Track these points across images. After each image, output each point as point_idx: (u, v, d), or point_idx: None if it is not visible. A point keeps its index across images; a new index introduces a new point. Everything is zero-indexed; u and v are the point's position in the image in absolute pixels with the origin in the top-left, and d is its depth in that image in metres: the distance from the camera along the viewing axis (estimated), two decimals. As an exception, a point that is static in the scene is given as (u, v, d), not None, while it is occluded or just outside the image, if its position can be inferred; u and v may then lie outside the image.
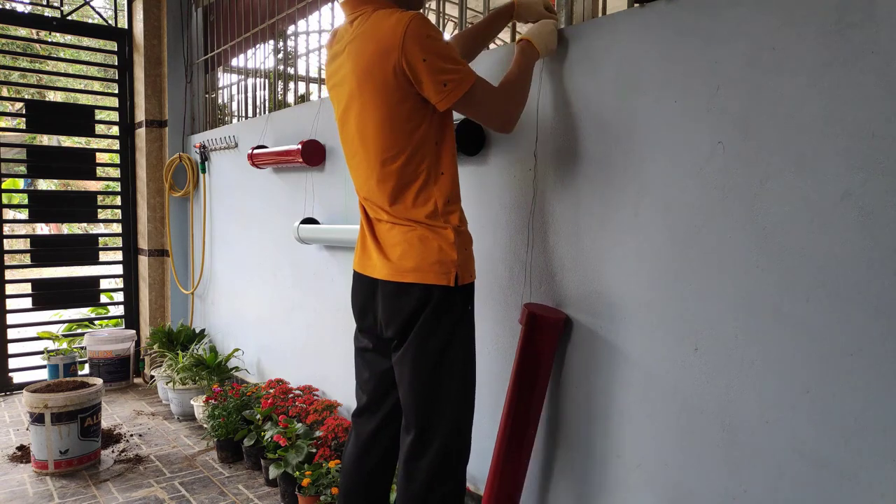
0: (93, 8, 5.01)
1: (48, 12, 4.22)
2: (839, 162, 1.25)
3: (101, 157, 6.53)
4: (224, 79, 4.22)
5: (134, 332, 4.46)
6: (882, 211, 1.20)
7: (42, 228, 11.16)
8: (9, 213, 5.44)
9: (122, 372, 4.32)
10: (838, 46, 1.24)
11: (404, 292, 1.61)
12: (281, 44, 3.69)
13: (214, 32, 4.13)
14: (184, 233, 4.45)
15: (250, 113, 3.83)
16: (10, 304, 4.08)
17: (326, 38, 1.89)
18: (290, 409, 2.84)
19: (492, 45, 2.22)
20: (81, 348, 4.25)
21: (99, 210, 4.54)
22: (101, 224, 6.08)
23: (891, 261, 1.19)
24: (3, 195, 4.04)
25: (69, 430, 2.88)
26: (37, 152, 4.65)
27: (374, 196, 1.67)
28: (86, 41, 5.02)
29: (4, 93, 6.35)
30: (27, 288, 4.22)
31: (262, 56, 3.72)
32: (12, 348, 4.14)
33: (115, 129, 4.63)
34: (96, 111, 4.46)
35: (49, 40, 9.16)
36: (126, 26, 4.47)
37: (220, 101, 4.25)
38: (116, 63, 4.49)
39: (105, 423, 3.45)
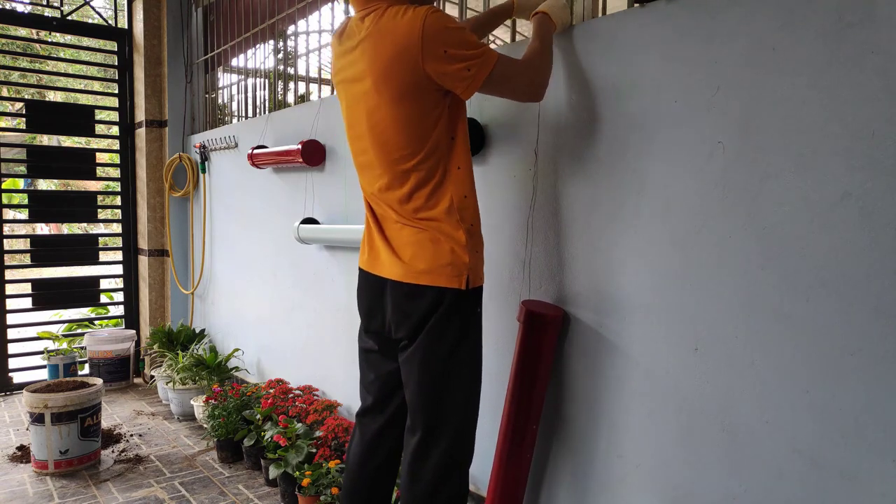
0: (93, 8, 5.01)
1: (48, 12, 4.22)
2: (839, 162, 1.25)
3: (101, 157, 6.53)
4: (224, 79, 4.22)
5: (134, 332, 4.46)
6: (882, 211, 1.20)
7: (42, 228, 11.16)
8: (9, 213, 5.44)
9: (122, 372, 4.32)
10: (838, 46, 1.24)
11: (417, 294, 1.60)
12: (281, 44, 3.69)
13: (214, 32, 4.13)
14: (184, 233, 4.45)
15: (250, 113, 3.83)
16: (10, 304, 4.08)
17: (331, 34, 1.89)
18: (290, 409, 2.84)
19: (492, 46, 2.22)
20: (81, 348, 4.25)
21: (99, 210, 4.54)
22: (101, 224, 6.08)
23: (891, 261, 1.19)
24: (3, 195, 4.04)
25: (69, 430, 2.88)
26: (37, 152, 4.65)
27: (385, 195, 1.66)
28: (86, 41, 5.03)
29: (4, 93, 6.35)
30: (27, 288, 4.22)
31: (262, 56, 3.72)
32: (12, 348, 4.14)
33: (115, 129, 4.64)
34: (96, 111, 4.46)
35: (49, 40, 9.16)
36: (126, 26, 4.47)
37: (220, 101, 4.25)
38: (116, 63, 4.49)
39: (105, 423, 3.45)
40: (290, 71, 3.53)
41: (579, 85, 1.76)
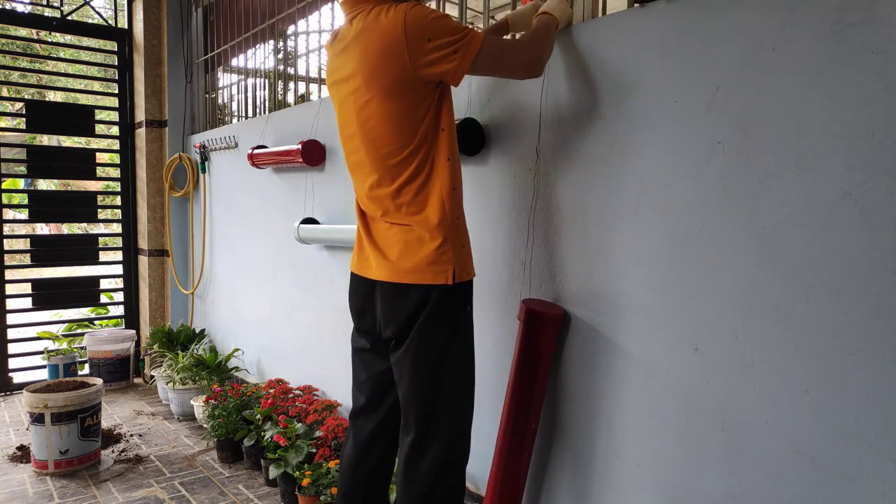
0: (93, 8, 5.01)
1: (48, 12, 4.22)
2: (839, 162, 1.25)
3: (101, 157, 6.52)
4: (224, 79, 4.22)
5: (134, 332, 4.46)
6: (882, 211, 1.20)
7: (42, 228, 11.16)
8: (9, 213, 5.44)
9: (122, 372, 4.32)
10: (838, 46, 1.24)
11: (403, 293, 1.61)
12: (281, 44, 3.69)
13: (214, 32, 4.13)
14: (184, 233, 4.45)
15: (250, 113, 3.83)
16: (10, 304, 4.08)
17: (327, 39, 1.89)
18: (290, 409, 2.84)
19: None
20: (81, 348, 4.25)
21: (99, 210, 4.54)
22: (101, 224, 6.07)
23: (891, 261, 1.19)
24: (3, 195, 4.04)
25: (69, 430, 2.88)
26: (37, 152, 4.65)
27: (376, 192, 1.66)
28: (86, 41, 5.03)
29: (4, 93, 6.35)
30: (27, 288, 4.22)
31: (262, 56, 3.72)
32: (12, 348, 4.14)
33: (115, 129, 4.64)
34: (96, 111, 4.46)
35: (49, 40, 9.15)
36: (126, 26, 4.47)
37: (220, 101, 4.25)
38: (116, 63, 4.49)
39: (105, 423, 3.45)
40: (290, 71, 3.53)
41: (579, 85, 1.76)
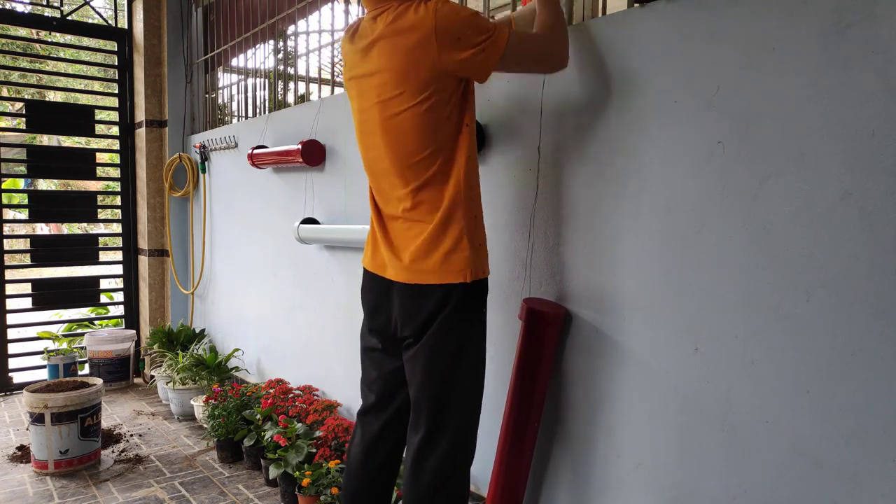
0: (93, 8, 5.01)
1: (48, 12, 4.22)
2: (839, 162, 1.25)
3: (101, 157, 6.52)
4: (224, 79, 4.22)
5: (134, 332, 4.46)
6: (882, 211, 1.20)
7: (42, 228, 11.16)
8: (9, 213, 5.44)
9: (122, 372, 4.32)
10: (838, 46, 1.24)
11: (423, 293, 1.60)
12: (281, 44, 3.69)
13: (214, 32, 4.13)
14: (184, 233, 4.45)
15: (250, 113, 3.83)
16: (10, 304, 4.08)
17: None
18: (290, 409, 2.84)
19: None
20: (81, 348, 4.25)
21: (99, 210, 4.54)
22: (101, 224, 6.07)
23: (891, 261, 1.19)
24: (3, 195, 4.04)
25: (69, 430, 2.88)
26: (37, 152, 4.65)
27: (396, 191, 1.65)
28: (86, 41, 5.02)
29: (4, 93, 6.35)
30: (27, 288, 4.22)
31: (262, 56, 3.72)
32: (12, 348, 4.14)
33: (115, 129, 4.63)
34: (96, 111, 4.46)
35: (49, 40, 9.15)
36: (126, 26, 4.47)
37: (220, 101, 4.25)
38: (116, 63, 4.49)
39: (105, 423, 3.45)
40: (290, 71, 3.53)
41: (580, 85, 1.76)
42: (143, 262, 4.50)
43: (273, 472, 2.56)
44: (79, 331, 4.68)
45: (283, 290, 3.33)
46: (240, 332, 3.84)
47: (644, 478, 1.64)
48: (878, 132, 1.20)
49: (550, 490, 1.90)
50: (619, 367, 1.69)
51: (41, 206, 4.42)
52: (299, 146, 2.87)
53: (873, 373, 1.21)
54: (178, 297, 4.48)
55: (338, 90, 3.12)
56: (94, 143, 9.85)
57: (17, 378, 4.14)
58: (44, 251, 4.41)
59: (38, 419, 2.85)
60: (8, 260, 4.07)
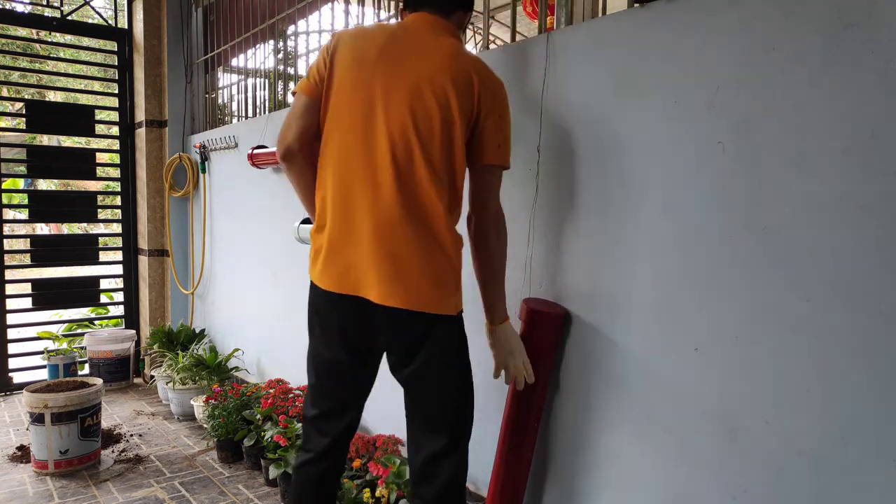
0: (93, 8, 5.01)
1: (48, 12, 4.22)
2: (839, 162, 1.25)
3: (101, 157, 6.53)
4: (224, 79, 4.22)
5: (134, 332, 4.46)
6: (882, 211, 1.20)
7: (42, 228, 11.16)
8: (9, 213, 5.44)
9: (122, 372, 4.32)
10: (838, 46, 1.24)
11: (416, 316, 1.57)
12: (281, 44, 3.69)
13: (214, 32, 4.13)
14: (184, 233, 4.45)
15: (250, 113, 3.83)
16: (10, 304, 4.08)
17: (331, 34, 1.88)
18: (290, 409, 2.84)
19: (492, 46, 2.22)
20: (81, 348, 4.25)
21: (99, 210, 4.54)
22: (101, 224, 6.07)
23: (891, 261, 1.19)
24: (3, 195, 4.04)
25: (69, 430, 2.88)
26: (37, 152, 4.65)
27: (385, 203, 1.56)
28: (86, 41, 5.03)
29: (4, 93, 6.35)
30: (27, 288, 4.22)
31: (262, 56, 3.72)
32: (12, 348, 4.14)
33: (115, 129, 4.64)
34: (96, 111, 4.46)
35: (49, 40, 9.16)
36: (126, 26, 4.47)
37: (220, 101, 4.25)
38: (116, 63, 4.49)
39: (105, 423, 3.45)
40: (290, 71, 3.53)
41: (580, 84, 1.76)
42: (143, 262, 4.50)
43: (273, 472, 2.56)
44: (79, 331, 4.68)
45: (283, 290, 3.33)
46: (240, 332, 3.84)
47: (644, 478, 1.64)
48: (877, 132, 1.20)
49: (550, 490, 1.90)
50: (619, 365, 1.69)
51: (41, 206, 4.42)
52: (299, 146, 2.87)
53: (873, 373, 1.21)
54: (178, 297, 4.48)
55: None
56: (94, 143, 9.85)
57: (18, 378, 4.14)
58: (44, 251, 4.41)
59: (38, 419, 2.85)
60: (8, 260, 4.07)
